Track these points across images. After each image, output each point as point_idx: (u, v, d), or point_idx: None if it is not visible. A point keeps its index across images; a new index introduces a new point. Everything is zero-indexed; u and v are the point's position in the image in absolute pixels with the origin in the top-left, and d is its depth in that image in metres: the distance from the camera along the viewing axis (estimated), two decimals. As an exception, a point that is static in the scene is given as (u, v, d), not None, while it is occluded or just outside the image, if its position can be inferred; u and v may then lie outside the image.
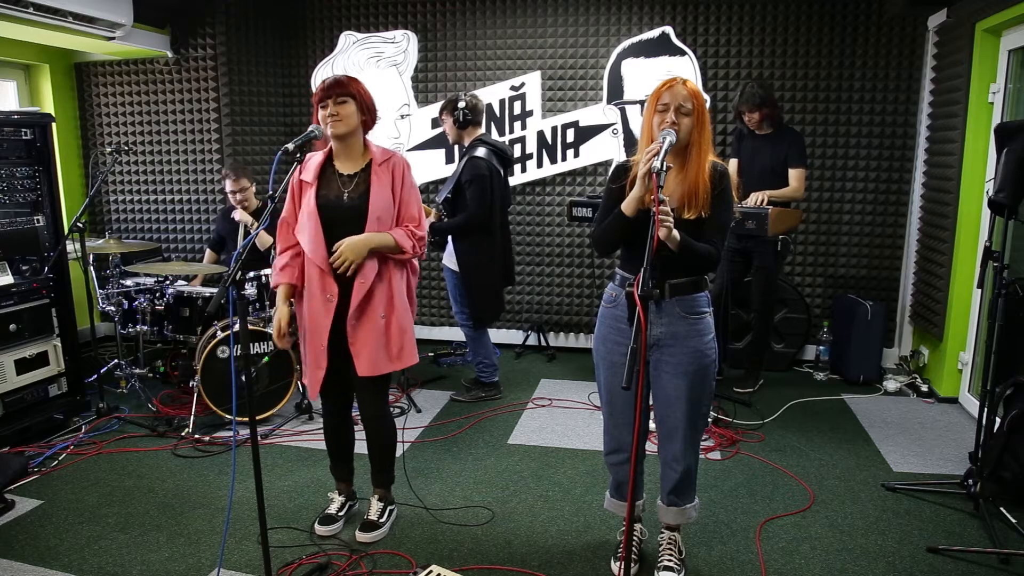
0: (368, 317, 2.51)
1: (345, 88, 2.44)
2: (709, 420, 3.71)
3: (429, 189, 5.25)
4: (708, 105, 2.28)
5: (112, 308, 4.08)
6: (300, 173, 2.55)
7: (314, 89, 5.08)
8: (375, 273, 2.50)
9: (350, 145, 2.53)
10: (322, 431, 3.68)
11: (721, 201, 2.23)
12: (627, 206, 2.19)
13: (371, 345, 2.52)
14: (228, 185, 4.19)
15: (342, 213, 2.50)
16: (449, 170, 5.12)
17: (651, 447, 3.13)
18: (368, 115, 2.52)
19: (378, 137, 4.86)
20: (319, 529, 2.76)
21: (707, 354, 2.31)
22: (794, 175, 4.05)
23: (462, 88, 5.04)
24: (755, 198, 3.93)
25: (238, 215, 4.13)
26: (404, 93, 5.11)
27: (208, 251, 4.39)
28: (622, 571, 2.11)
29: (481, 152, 3.85)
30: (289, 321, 2.60)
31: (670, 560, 2.47)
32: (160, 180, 5.29)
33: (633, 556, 2.56)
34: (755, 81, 4.21)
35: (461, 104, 3.84)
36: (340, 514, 2.83)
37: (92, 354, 4.21)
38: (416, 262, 2.70)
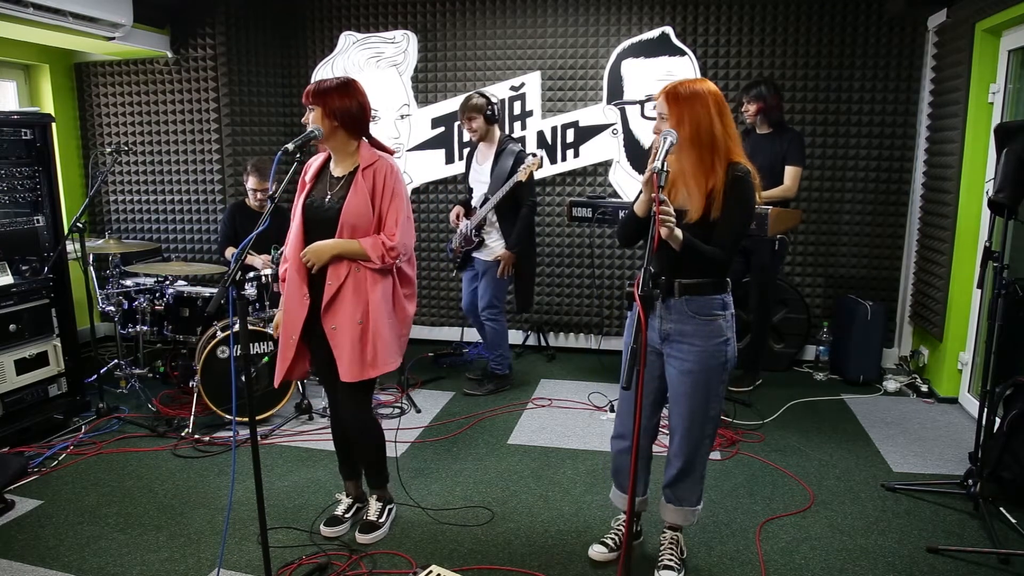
0: (346, 323, 2.51)
1: (310, 97, 2.45)
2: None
3: (429, 189, 5.25)
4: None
5: (112, 308, 4.08)
6: (305, 173, 2.60)
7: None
8: (344, 277, 2.49)
9: (337, 148, 2.54)
10: (322, 431, 3.72)
11: (733, 204, 2.20)
12: (638, 207, 2.27)
13: (349, 351, 2.51)
14: (252, 183, 4.21)
15: (321, 215, 2.52)
16: (450, 170, 5.15)
17: (659, 450, 3.14)
18: (341, 121, 2.47)
19: (378, 137, 4.86)
20: (325, 531, 2.75)
21: (715, 356, 2.29)
22: (789, 173, 4.05)
23: (462, 88, 5.04)
24: None
25: (259, 262, 4.13)
26: (404, 93, 5.11)
27: (229, 249, 4.36)
28: (622, 572, 2.11)
29: (518, 147, 4.14)
30: None
31: (670, 560, 2.47)
32: (160, 180, 5.29)
33: (612, 542, 2.61)
34: (768, 80, 4.20)
35: (495, 100, 4.11)
36: (347, 516, 2.82)
37: (92, 354, 4.21)
38: (409, 270, 2.67)
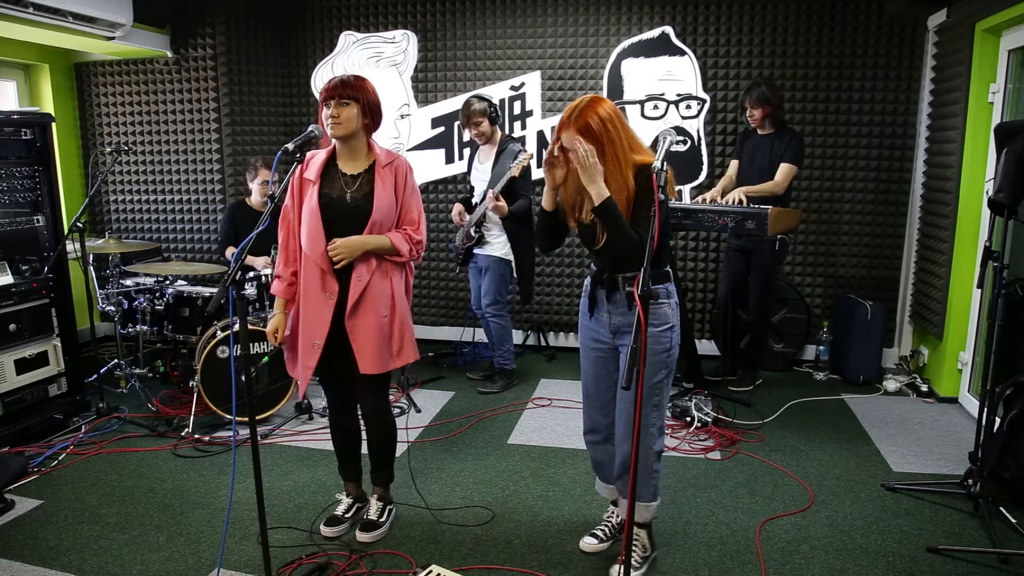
0: (371, 316, 2.52)
1: (350, 90, 2.43)
2: (701, 421, 3.72)
3: (429, 189, 5.25)
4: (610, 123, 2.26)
5: (112, 308, 4.08)
6: (303, 171, 2.56)
7: (315, 88, 5.16)
8: (371, 272, 2.50)
9: (353, 146, 2.53)
10: (322, 431, 3.72)
11: (642, 201, 2.24)
12: (545, 202, 2.38)
13: (374, 343, 2.53)
14: (261, 177, 4.25)
15: (344, 213, 2.50)
16: (450, 169, 5.16)
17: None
18: (371, 118, 2.51)
19: (378, 137, 4.86)
20: (325, 531, 2.75)
21: (658, 341, 2.32)
22: (781, 169, 4.01)
23: (462, 88, 5.05)
24: (732, 196, 3.91)
25: (259, 263, 4.14)
26: (404, 93, 5.11)
27: (229, 248, 4.37)
28: (621, 573, 2.11)
29: (518, 147, 4.19)
30: (284, 328, 2.64)
31: (631, 555, 2.48)
32: (160, 180, 5.29)
33: (602, 534, 2.66)
34: (766, 80, 4.20)
35: (496, 101, 4.18)
36: (347, 516, 2.82)
37: (92, 354, 4.21)
38: (412, 263, 2.70)
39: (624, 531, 2.09)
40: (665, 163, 2.08)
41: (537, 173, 5.01)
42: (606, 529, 2.68)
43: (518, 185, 4.11)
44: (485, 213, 4.17)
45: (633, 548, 2.51)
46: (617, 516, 2.71)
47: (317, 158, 2.58)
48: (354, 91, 2.44)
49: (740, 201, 3.86)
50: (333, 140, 2.52)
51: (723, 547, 2.68)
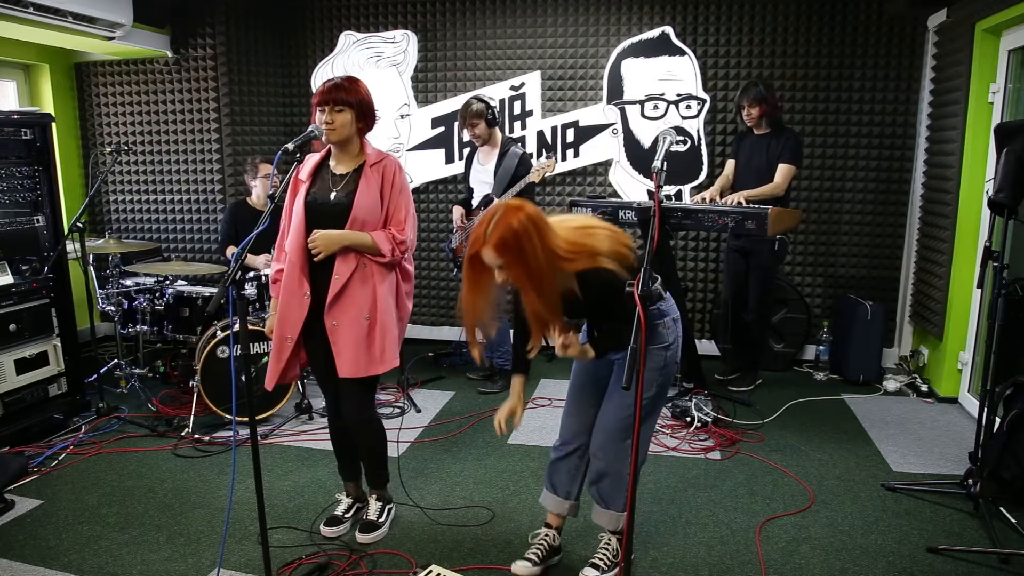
0: (351, 318, 2.51)
1: (344, 95, 2.44)
2: (701, 421, 3.72)
3: (429, 189, 5.25)
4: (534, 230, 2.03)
5: (112, 308, 4.08)
6: (298, 173, 2.59)
7: (314, 89, 5.14)
8: (351, 270, 2.50)
9: (346, 147, 2.55)
10: (322, 431, 3.72)
11: (605, 298, 2.16)
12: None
13: (353, 346, 2.52)
14: (262, 172, 4.29)
15: (327, 210, 2.51)
16: (450, 169, 5.15)
17: (658, 449, 3.13)
18: (364, 121, 2.52)
19: (378, 137, 4.88)
20: (325, 531, 2.75)
21: (650, 358, 2.26)
22: (780, 170, 4.00)
23: (462, 88, 5.05)
24: (732, 200, 3.90)
25: (260, 262, 4.15)
26: (404, 93, 5.11)
27: (230, 248, 4.37)
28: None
29: (521, 149, 4.20)
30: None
31: (600, 559, 2.47)
32: (160, 180, 5.29)
33: (536, 556, 2.51)
34: (760, 80, 4.21)
35: (494, 104, 4.14)
36: (347, 516, 2.82)
37: (92, 354, 4.21)
38: (410, 267, 2.69)
39: (623, 534, 2.09)
40: (666, 162, 2.08)
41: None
42: (540, 552, 2.54)
43: (532, 190, 4.11)
44: None
45: (604, 552, 2.50)
46: (554, 538, 2.59)
47: (311, 160, 2.62)
48: (348, 95, 2.44)
49: (735, 204, 3.86)
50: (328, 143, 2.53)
51: (723, 547, 2.68)
